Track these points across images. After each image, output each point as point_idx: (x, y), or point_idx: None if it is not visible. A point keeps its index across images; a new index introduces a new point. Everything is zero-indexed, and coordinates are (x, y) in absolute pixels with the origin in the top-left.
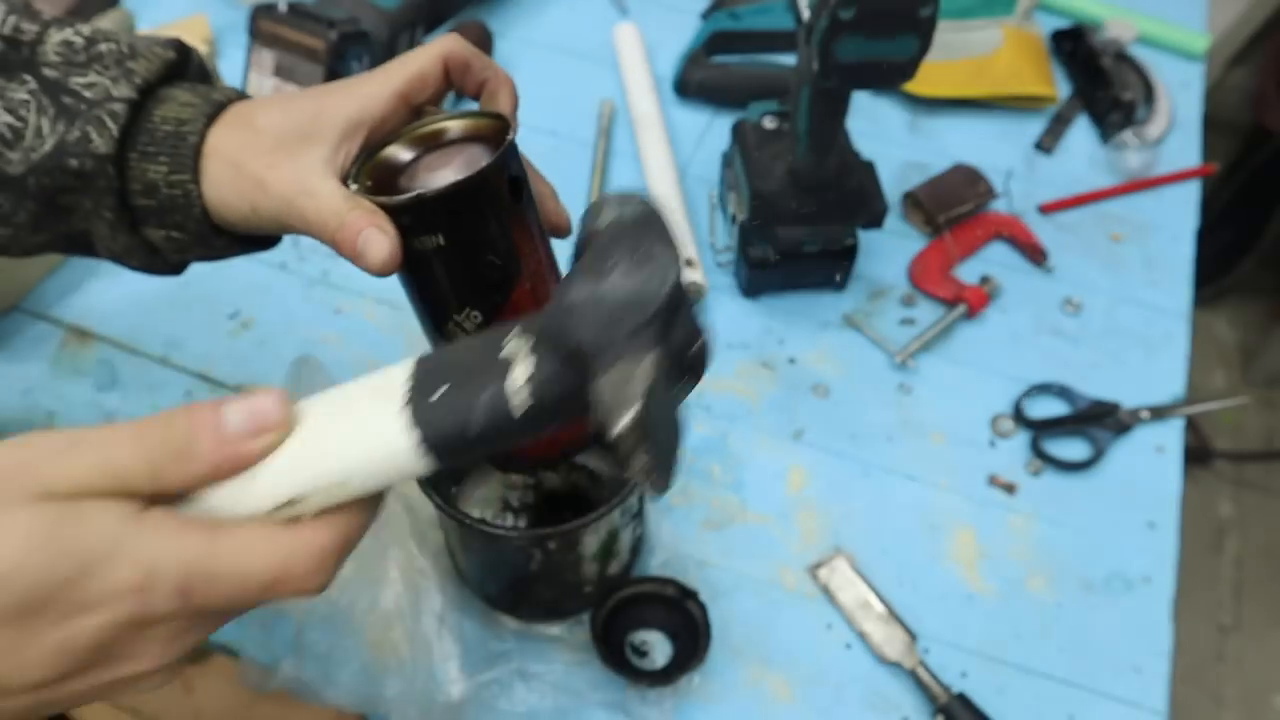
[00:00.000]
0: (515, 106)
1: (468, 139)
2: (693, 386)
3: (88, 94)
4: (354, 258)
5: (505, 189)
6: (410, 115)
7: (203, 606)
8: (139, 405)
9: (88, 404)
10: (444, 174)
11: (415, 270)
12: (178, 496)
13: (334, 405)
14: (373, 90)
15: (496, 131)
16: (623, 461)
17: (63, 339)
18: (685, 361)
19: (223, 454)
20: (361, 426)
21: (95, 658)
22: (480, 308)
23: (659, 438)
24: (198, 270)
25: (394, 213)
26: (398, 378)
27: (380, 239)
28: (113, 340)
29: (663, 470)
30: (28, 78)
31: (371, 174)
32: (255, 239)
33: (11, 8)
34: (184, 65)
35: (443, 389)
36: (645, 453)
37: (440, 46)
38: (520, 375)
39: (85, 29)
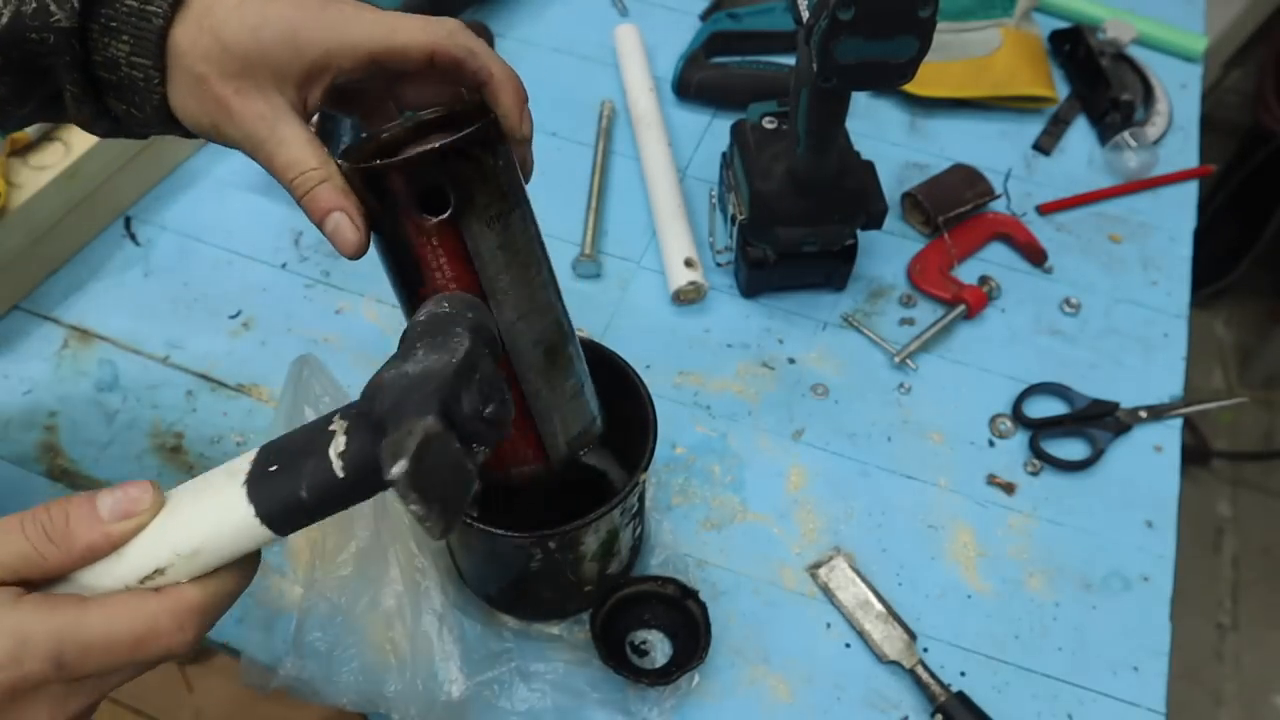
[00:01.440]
0: (519, 104)
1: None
2: (490, 444)
3: None
4: (321, 230)
5: (406, 196)
6: (383, 77)
7: (77, 670)
8: (140, 405)
9: (89, 404)
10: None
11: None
12: (55, 580)
13: (194, 487)
14: (353, 38)
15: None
16: (403, 504)
17: (64, 339)
18: (476, 424)
19: (95, 535)
20: (210, 503)
21: None
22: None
23: (433, 490)
24: (199, 270)
25: (356, 181)
26: (245, 460)
27: (349, 226)
28: (114, 340)
29: (436, 518)
30: None
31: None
32: None
33: None
34: None
35: (274, 466)
36: (418, 502)
37: (431, 38)
38: (336, 447)
39: None
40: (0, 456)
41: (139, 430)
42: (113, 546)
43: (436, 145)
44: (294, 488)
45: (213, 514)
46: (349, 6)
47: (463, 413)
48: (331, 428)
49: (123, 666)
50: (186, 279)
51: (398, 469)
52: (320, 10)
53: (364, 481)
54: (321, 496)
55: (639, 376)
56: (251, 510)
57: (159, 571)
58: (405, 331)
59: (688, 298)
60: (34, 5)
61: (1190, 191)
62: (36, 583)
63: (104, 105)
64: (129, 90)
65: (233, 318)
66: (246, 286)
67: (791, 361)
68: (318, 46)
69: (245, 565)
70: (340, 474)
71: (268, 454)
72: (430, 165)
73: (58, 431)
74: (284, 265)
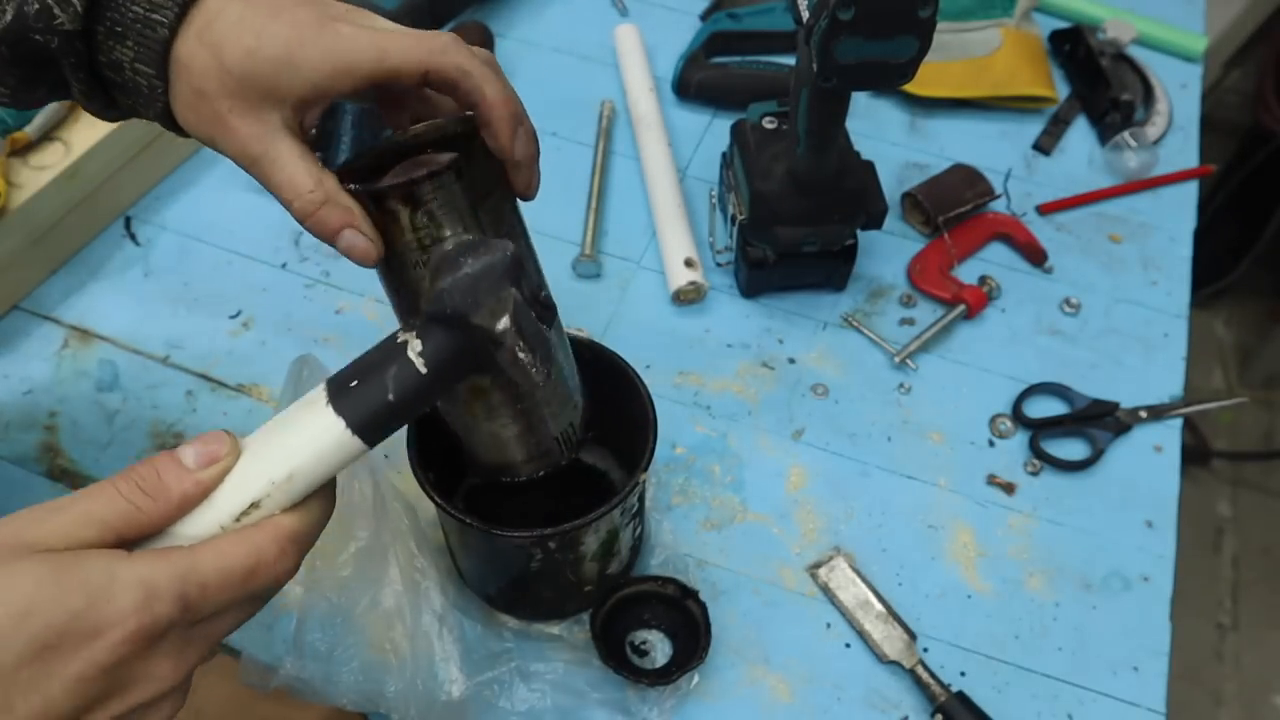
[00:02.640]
0: (510, 128)
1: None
2: (551, 320)
3: None
4: (335, 247)
5: (400, 215)
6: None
7: (199, 608)
8: (140, 405)
9: (89, 404)
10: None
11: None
12: (152, 536)
13: (270, 427)
14: (349, 62)
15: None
16: (510, 360)
17: (64, 339)
18: (539, 301)
19: (187, 484)
20: (296, 428)
21: (113, 683)
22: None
23: (532, 339)
24: (199, 270)
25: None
26: (318, 390)
27: (360, 241)
28: (114, 340)
29: (540, 364)
30: None
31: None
32: None
33: None
34: None
35: (354, 382)
36: (525, 349)
37: (424, 57)
38: (414, 349)
39: None
40: (0, 456)
41: (139, 430)
42: (204, 494)
43: (390, 183)
44: (380, 394)
45: (302, 437)
46: (345, 25)
47: (526, 295)
48: (400, 339)
49: (237, 602)
50: (186, 279)
51: (503, 323)
52: (318, 31)
53: (447, 374)
54: (408, 396)
55: (639, 376)
56: (341, 423)
57: (254, 506)
58: (437, 260)
59: (688, 298)
60: (36, 6)
61: (1190, 191)
62: (135, 540)
63: (112, 98)
64: (134, 93)
65: (233, 318)
66: (246, 286)
67: (791, 361)
68: (314, 72)
69: (327, 490)
70: (423, 370)
71: (340, 378)
72: (422, 190)
73: (58, 431)
74: (284, 265)
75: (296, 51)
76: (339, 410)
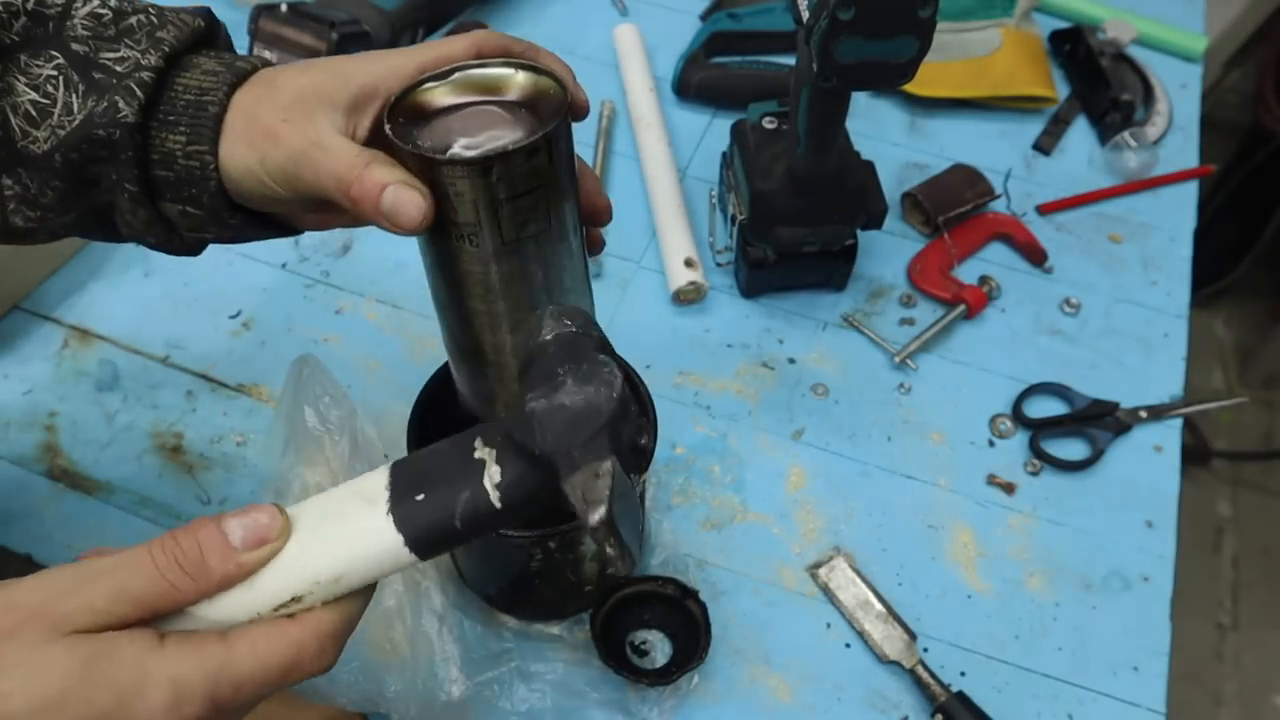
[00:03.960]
0: (570, 73)
1: (518, 101)
2: (643, 471)
3: (118, 68)
4: (377, 216)
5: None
6: None
7: (231, 707)
8: (140, 405)
9: (89, 404)
10: (475, 134)
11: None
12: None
13: (322, 511)
14: (397, 63)
15: (548, 99)
16: (598, 546)
17: (64, 339)
18: (635, 454)
19: (229, 566)
20: (352, 531)
21: None
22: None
23: (624, 525)
24: (199, 270)
25: (412, 163)
26: (378, 483)
27: (411, 197)
28: (114, 340)
29: (626, 555)
30: (54, 54)
31: (405, 111)
32: (272, 223)
33: None
34: (211, 35)
35: (422, 494)
36: (615, 545)
37: (474, 36)
38: (492, 478)
39: None
40: (0, 456)
41: (139, 430)
42: (245, 576)
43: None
44: (446, 517)
45: (356, 542)
46: (395, 49)
47: (623, 447)
48: (478, 455)
49: (271, 693)
50: (186, 279)
51: (598, 516)
52: (364, 60)
53: (519, 512)
54: (475, 525)
55: (639, 376)
56: (400, 539)
57: (296, 600)
58: (535, 353)
59: (688, 298)
60: (105, 104)
61: (1190, 191)
62: (167, 613)
63: (157, 211)
64: (185, 183)
65: (233, 318)
66: (246, 286)
67: (791, 361)
68: (364, 74)
69: (370, 586)
70: (498, 505)
71: (406, 478)
72: (559, 138)
73: (58, 431)
74: (284, 265)
75: (346, 65)
76: (399, 523)
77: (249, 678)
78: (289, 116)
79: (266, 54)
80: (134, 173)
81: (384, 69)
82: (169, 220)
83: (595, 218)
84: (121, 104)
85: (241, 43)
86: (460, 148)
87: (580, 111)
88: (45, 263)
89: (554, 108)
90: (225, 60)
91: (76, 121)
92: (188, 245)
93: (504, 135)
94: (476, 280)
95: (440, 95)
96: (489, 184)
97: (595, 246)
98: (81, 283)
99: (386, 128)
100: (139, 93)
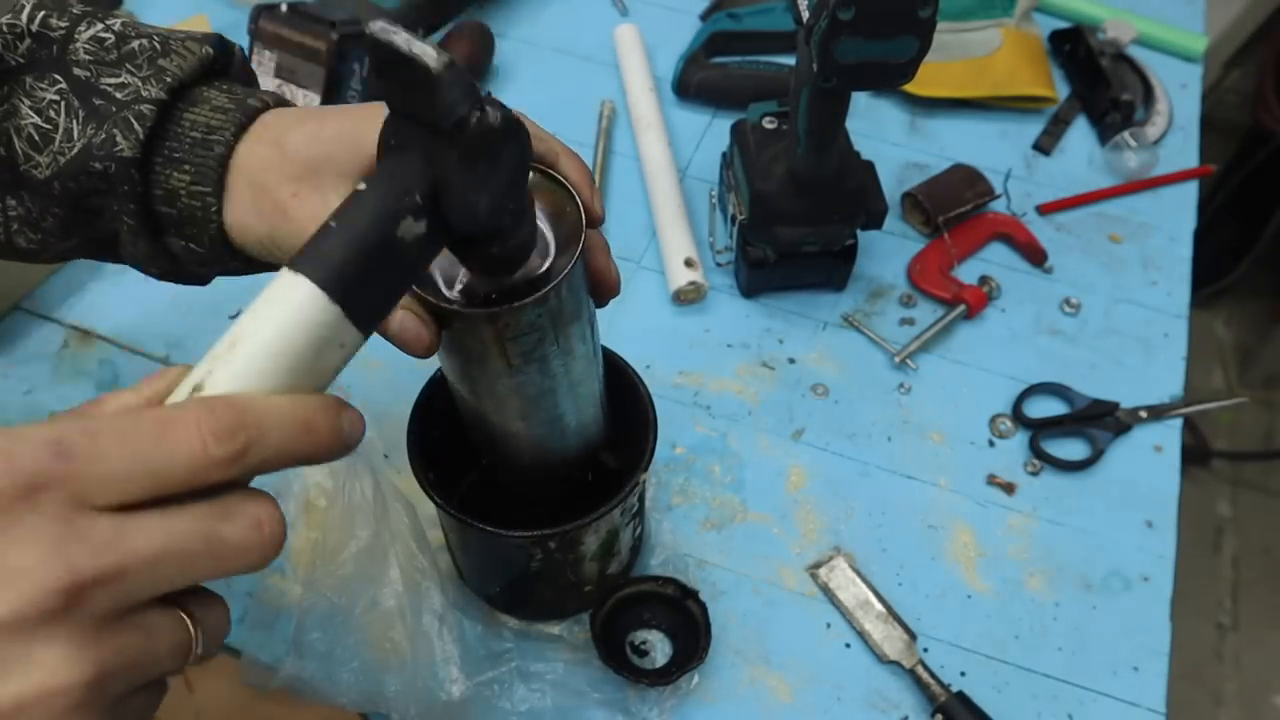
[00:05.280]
0: (588, 181)
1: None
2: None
3: (118, 95)
4: (384, 335)
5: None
6: None
7: (80, 456)
8: None
9: None
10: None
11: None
12: None
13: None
14: None
15: (564, 216)
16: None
17: (65, 339)
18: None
19: (125, 396)
20: (255, 306)
21: None
22: None
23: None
24: None
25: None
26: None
27: (417, 331)
28: (114, 341)
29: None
30: (58, 78)
31: None
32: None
33: (39, 2)
34: (223, 61)
35: (316, 237)
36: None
37: None
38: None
39: (116, 22)
40: None
41: None
42: (144, 403)
43: (578, 248)
44: (359, 231)
45: (257, 309)
46: None
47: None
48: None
49: (141, 473)
50: None
51: (432, 58)
52: (378, 116)
53: (408, 178)
54: (390, 223)
55: (639, 376)
56: (304, 281)
57: (197, 389)
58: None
59: (688, 298)
60: (102, 136)
61: (1190, 191)
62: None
63: (161, 244)
64: (188, 223)
65: (233, 318)
66: (246, 286)
67: (791, 361)
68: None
69: (315, 396)
70: (362, 185)
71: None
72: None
73: None
74: None
75: (359, 129)
76: (298, 266)
77: (107, 428)
78: (299, 190)
79: (267, 54)
80: (131, 207)
81: None
82: (174, 254)
83: (601, 293)
84: (119, 137)
85: (243, 43)
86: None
87: (595, 222)
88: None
89: (570, 233)
90: (236, 96)
91: (76, 150)
92: (194, 276)
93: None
94: (482, 384)
95: None
96: (496, 330)
97: (601, 305)
98: (81, 283)
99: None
100: (137, 126)
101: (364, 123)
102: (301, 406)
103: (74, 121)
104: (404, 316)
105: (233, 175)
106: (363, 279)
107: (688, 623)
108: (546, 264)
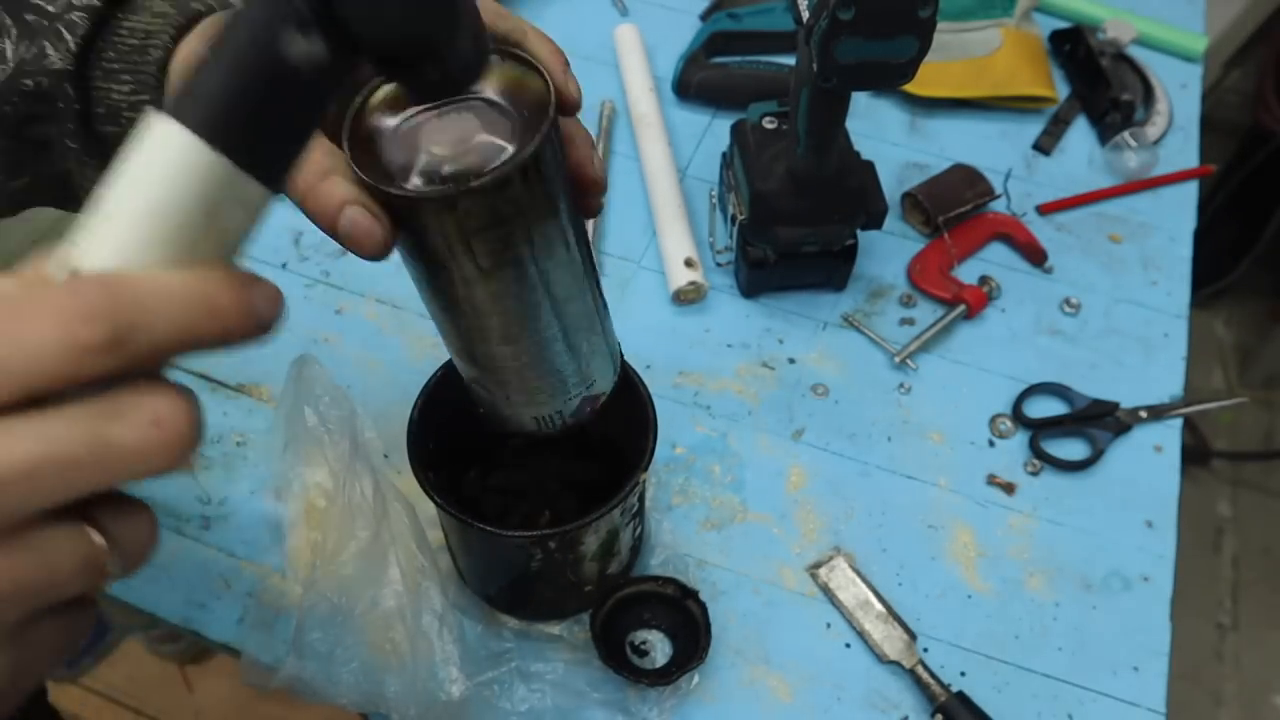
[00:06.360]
0: (560, 62)
1: (493, 101)
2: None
3: (50, 8)
4: (335, 237)
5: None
6: None
7: None
8: None
9: None
10: (447, 144)
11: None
12: None
13: None
14: None
15: (533, 99)
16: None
17: None
18: None
19: None
20: (124, 165)
21: None
22: None
23: None
24: None
25: (367, 189)
26: None
27: (368, 226)
28: None
29: None
30: None
31: (375, 109)
32: None
33: None
34: None
35: (191, 73)
36: None
37: None
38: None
39: None
40: None
41: None
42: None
43: (545, 125)
44: (202, 68)
45: (125, 163)
46: None
47: None
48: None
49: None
50: None
51: None
52: None
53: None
54: (251, 63)
55: (639, 376)
56: (174, 124)
57: (74, 273)
58: None
59: (688, 298)
60: (34, 50)
61: (1190, 191)
62: None
63: (108, 158)
64: None
65: None
66: None
67: (791, 361)
68: None
69: (218, 267)
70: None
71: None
72: (548, 148)
73: None
74: (284, 265)
75: None
76: (173, 110)
77: None
78: None
79: None
80: (70, 127)
81: None
82: None
83: (586, 203)
84: (49, 49)
85: None
86: (428, 162)
87: (570, 107)
88: None
89: (537, 112)
90: (179, 1)
91: (10, 70)
92: None
93: (478, 148)
94: (458, 299)
95: (399, 101)
96: (456, 219)
97: (589, 211)
98: None
99: (344, 142)
100: (68, 35)
101: None
102: (196, 280)
103: (5, 41)
104: (352, 210)
105: (173, 81)
106: (250, 118)
107: (688, 623)
108: (512, 149)
